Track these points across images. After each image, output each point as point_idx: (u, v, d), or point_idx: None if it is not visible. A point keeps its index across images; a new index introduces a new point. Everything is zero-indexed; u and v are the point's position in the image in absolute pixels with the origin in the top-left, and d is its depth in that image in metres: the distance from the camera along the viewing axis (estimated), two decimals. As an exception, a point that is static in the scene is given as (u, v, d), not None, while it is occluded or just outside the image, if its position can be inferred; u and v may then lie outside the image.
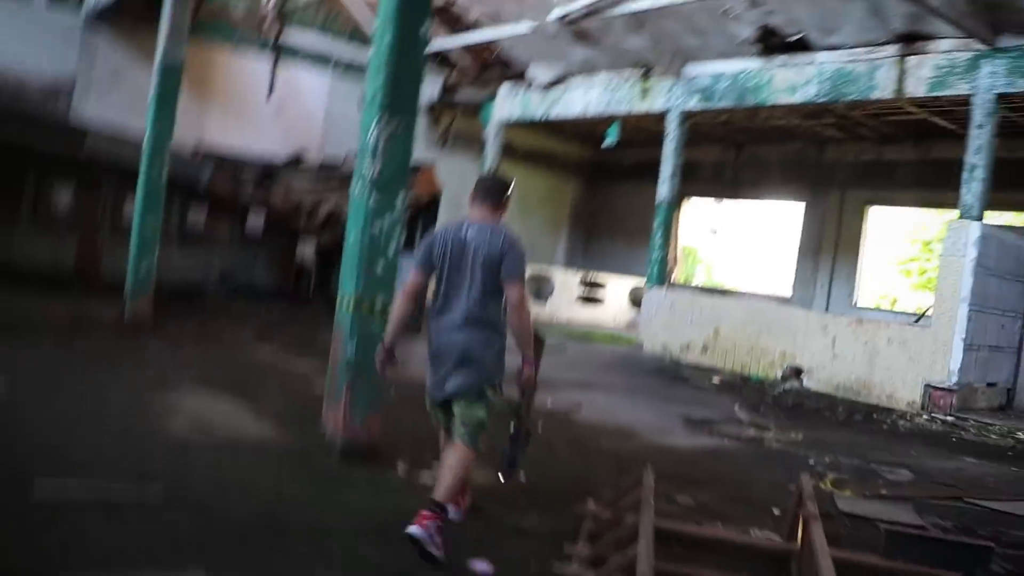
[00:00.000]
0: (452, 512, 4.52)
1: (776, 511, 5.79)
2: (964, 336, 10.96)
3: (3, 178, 13.49)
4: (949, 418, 10.62)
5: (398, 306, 4.82)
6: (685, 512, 5.58)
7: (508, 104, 19.07)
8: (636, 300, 19.55)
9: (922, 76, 11.97)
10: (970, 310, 10.97)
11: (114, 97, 15.66)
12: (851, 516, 5.91)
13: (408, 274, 4.79)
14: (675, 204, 15.75)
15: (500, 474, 4.95)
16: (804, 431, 9.24)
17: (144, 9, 14.96)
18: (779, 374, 12.99)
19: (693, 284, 25.90)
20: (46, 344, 8.82)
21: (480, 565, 4.27)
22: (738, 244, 30.17)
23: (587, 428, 8.06)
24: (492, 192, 4.83)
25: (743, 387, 12.34)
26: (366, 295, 5.71)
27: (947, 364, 11.03)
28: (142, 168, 10.74)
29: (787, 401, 11.49)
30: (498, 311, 4.65)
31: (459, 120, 20.59)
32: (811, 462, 7.68)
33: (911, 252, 26.70)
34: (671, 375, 12.84)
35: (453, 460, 4.51)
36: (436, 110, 20.08)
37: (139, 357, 8.69)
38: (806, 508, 4.40)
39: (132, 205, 11.32)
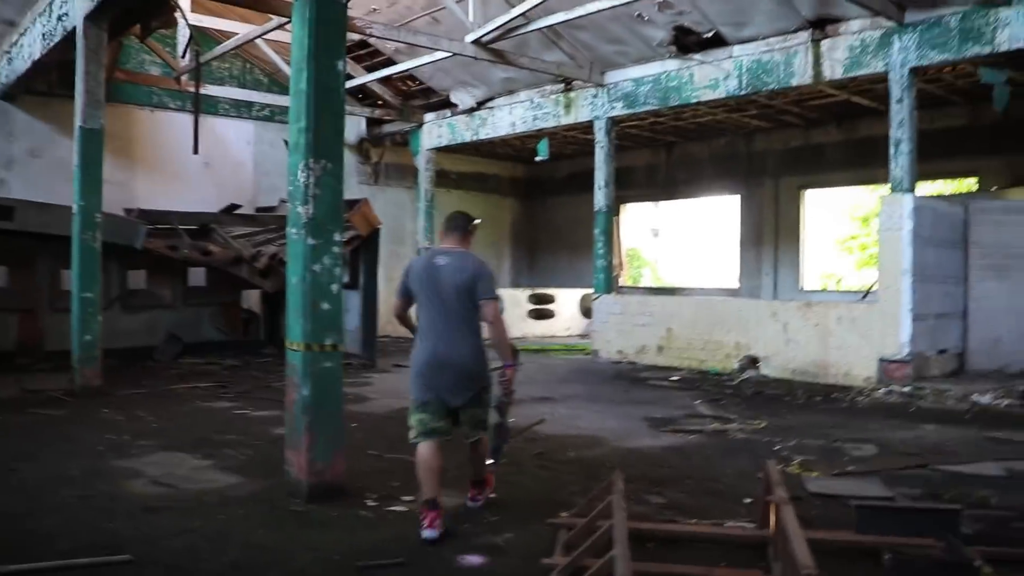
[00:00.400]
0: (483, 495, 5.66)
1: (747, 500, 5.83)
2: (911, 307, 11.17)
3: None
4: (906, 389, 10.81)
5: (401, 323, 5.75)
6: (658, 511, 5.61)
7: (435, 131, 19.15)
8: (587, 309, 19.63)
9: (837, 58, 12.25)
10: (913, 281, 11.19)
11: (37, 171, 15.51)
12: (821, 496, 5.97)
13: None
14: (613, 211, 15.91)
15: (488, 460, 5.61)
16: (766, 418, 9.33)
17: (57, 81, 14.84)
18: (736, 365, 13.13)
19: (641, 286, 26.10)
20: (-2, 422, 8.69)
21: (471, 559, 4.66)
22: (680, 242, 30.53)
23: (552, 440, 8.04)
24: (458, 224, 5.55)
25: (702, 382, 12.43)
26: (314, 336, 5.68)
27: (898, 336, 11.25)
28: (74, 236, 10.57)
29: (746, 391, 11.59)
30: (476, 327, 5.34)
31: (389, 152, 20.64)
32: (776, 448, 7.75)
33: (851, 230, 27.18)
34: (629, 379, 12.89)
35: (480, 451, 5.53)
36: (365, 145, 20.10)
37: (94, 425, 8.52)
38: (775, 494, 4.43)
39: (69, 275, 11.16)
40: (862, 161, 17.29)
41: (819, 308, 12.57)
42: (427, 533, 4.91)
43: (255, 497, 5.86)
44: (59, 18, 11.48)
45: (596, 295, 15.77)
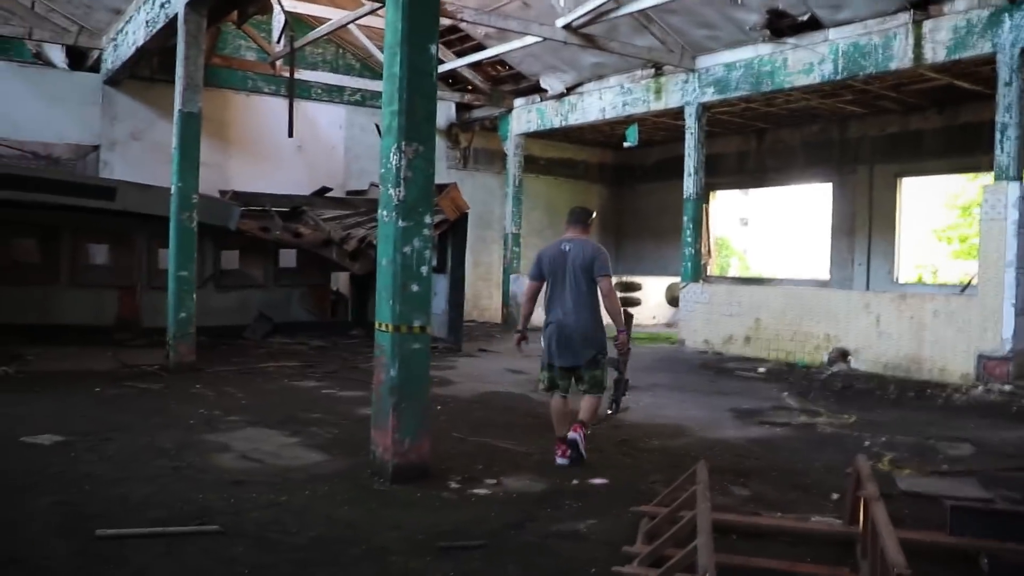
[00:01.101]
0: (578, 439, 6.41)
1: (835, 496, 5.71)
2: (1014, 301, 10.72)
3: (41, 240, 13.86)
4: (1006, 387, 10.37)
5: (523, 304, 6.87)
6: (742, 503, 5.53)
7: (525, 117, 19.13)
8: (673, 298, 19.44)
9: (940, 40, 11.79)
10: (1018, 273, 10.73)
11: (138, 153, 16.04)
12: (913, 495, 5.80)
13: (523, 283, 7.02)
14: (702, 199, 15.66)
15: (608, 410, 6.93)
16: (856, 413, 9.11)
17: (158, 66, 15.31)
18: (825, 358, 12.85)
19: (729, 276, 25.71)
20: (97, 391, 9.09)
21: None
22: (770, 231, 29.98)
23: (636, 429, 8.00)
24: (579, 218, 6.83)
25: (790, 374, 12.20)
26: (403, 318, 5.73)
27: (999, 332, 10.78)
28: (172, 216, 10.89)
29: (836, 384, 11.32)
30: (595, 302, 6.55)
31: (478, 137, 20.69)
32: (866, 444, 7.56)
33: (949, 220, 26.30)
34: (716, 369, 12.73)
35: (587, 403, 6.56)
36: (454, 130, 20.20)
37: (187, 400, 8.80)
38: (866, 489, 4.31)
39: (166, 253, 11.52)
40: (964, 148, 16.68)
41: (914, 300, 12.18)
42: (560, 461, 6.37)
43: (340, 475, 5.96)
44: (161, 5, 11.78)
45: (683, 284, 15.58)
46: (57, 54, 15.87)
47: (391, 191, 5.74)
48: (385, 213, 5.81)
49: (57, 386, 9.28)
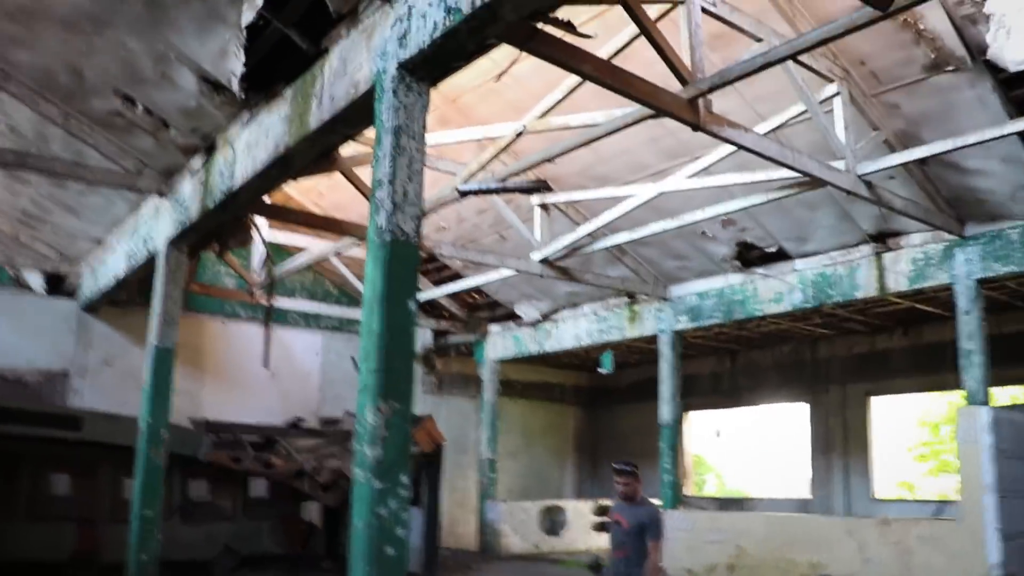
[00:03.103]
0: None
1: None
2: (998, 526, 10.57)
3: (1, 470, 13.44)
4: (1001, 620, 10.08)
5: None
6: None
7: (501, 343, 19.32)
8: (597, 525, 18.99)
9: (901, 270, 12.27)
10: (998, 497, 10.63)
11: (109, 379, 15.89)
12: None
13: None
14: (678, 423, 15.62)
15: None
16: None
17: (136, 291, 15.41)
18: (811, 589, 12.46)
19: (706, 496, 25.30)
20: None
21: None
22: (746, 447, 29.79)
23: None
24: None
25: (778, 610, 11.76)
26: (378, 584, 5.50)
27: (986, 557, 10.58)
28: (140, 453, 10.60)
29: (826, 622, 10.92)
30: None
31: (453, 362, 20.80)
32: None
33: (921, 436, 26.32)
34: (701, 604, 12.26)
35: None
36: (430, 356, 20.30)
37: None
38: None
39: (131, 483, 11.15)
40: (930, 367, 16.95)
41: (898, 525, 11.96)
42: None
43: None
44: (144, 240, 12.00)
45: (663, 510, 15.26)
46: (35, 278, 15.96)
47: (367, 451, 5.63)
48: (360, 473, 5.68)
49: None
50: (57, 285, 16.21)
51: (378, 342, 5.73)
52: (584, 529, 19.01)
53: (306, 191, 15.30)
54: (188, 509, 14.54)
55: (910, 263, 12.18)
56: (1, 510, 13.17)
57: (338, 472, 13.82)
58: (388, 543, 5.57)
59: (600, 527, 7.88)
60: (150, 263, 11.73)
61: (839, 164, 9.59)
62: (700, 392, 21.42)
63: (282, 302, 17.18)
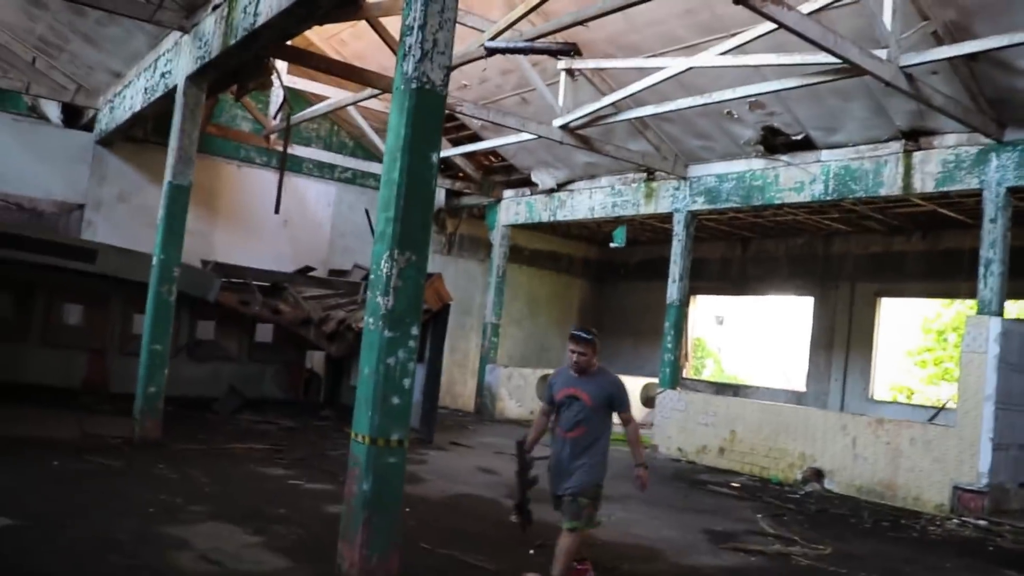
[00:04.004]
0: None
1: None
2: (992, 435, 10.73)
3: (15, 297, 13.65)
4: (981, 522, 10.31)
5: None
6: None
7: (513, 208, 19.21)
8: (648, 398, 19.32)
9: (929, 171, 12.01)
10: (996, 408, 10.75)
11: (123, 215, 15.93)
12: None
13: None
14: (685, 304, 15.65)
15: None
16: (831, 542, 8.92)
17: (152, 129, 15.31)
18: (799, 476, 12.72)
19: (703, 379, 25.64)
20: (55, 465, 8.76)
21: None
22: (747, 335, 30.04)
23: (607, 549, 7.76)
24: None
25: (763, 492, 12.03)
26: (381, 431, 5.56)
27: (976, 465, 10.78)
28: (151, 289, 10.69)
29: (810, 507, 11.17)
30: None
31: (464, 224, 20.75)
32: (843, 581, 7.39)
33: (924, 342, 26.49)
34: (689, 481, 12.54)
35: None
36: (442, 215, 20.23)
37: (148, 482, 8.50)
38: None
39: (142, 318, 11.32)
40: (944, 273, 16.91)
41: (891, 426, 12.12)
42: None
43: (304, 587, 5.72)
44: (162, 75, 11.80)
45: (661, 389, 15.47)
46: (53, 109, 15.86)
47: (379, 299, 5.62)
48: (371, 321, 5.68)
49: (15, 456, 8.96)
50: (74, 117, 16.07)
51: (397, 191, 5.66)
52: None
53: (328, 38, 14.94)
54: (195, 348, 14.81)
55: (940, 164, 11.93)
56: (17, 335, 13.51)
57: (344, 323, 13.95)
58: (394, 393, 5.62)
59: (524, 468, 6.23)
60: (167, 99, 11.58)
61: (881, 53, 9.25)
62: (708, 277, 21.43)
63: (297, 150, 17.06)
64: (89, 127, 16.00)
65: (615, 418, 6.15)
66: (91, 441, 10.29)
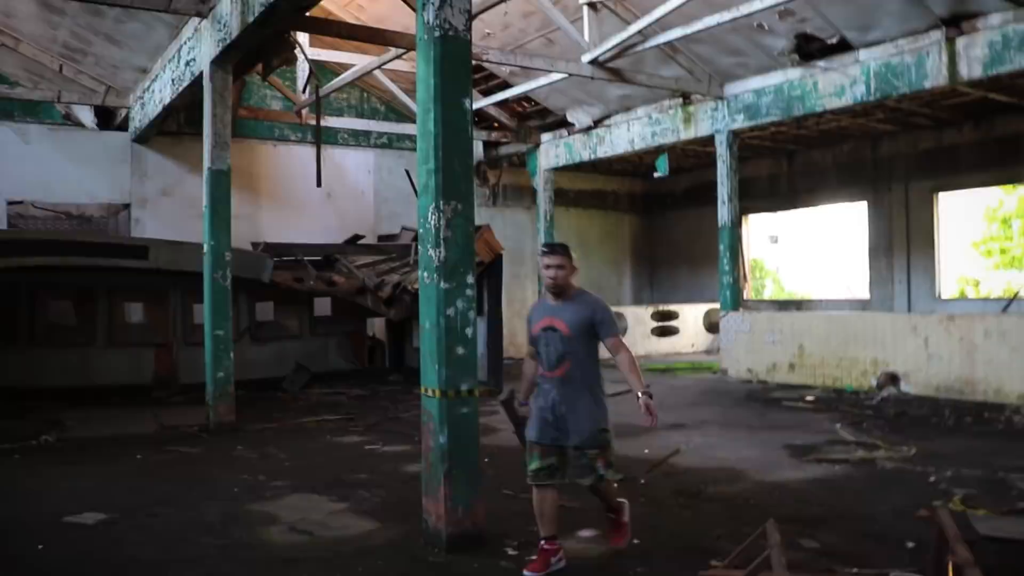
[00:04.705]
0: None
1: (910, 544, 5.44)
2: (1068, 316, 10.46)
3: (78, 303, 13.92)
4: (1067, 406, 10.09)
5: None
6: (814, 558, 5.28)
7: (552, 151, 19.03)
8: (712, 324, 19.23)
9: (975, 56, 11.56)
10: (1070, 288, 10.48)
11: (168, 209, 16.13)
12: (995, 540, 5.50)
13: None
14: (737, 226, 15.40)
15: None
16: (915, 443, 8.81)
17: (185, 121, 15.41)
18: (874, 382, 12.55)
19: (765, 299, 25.37)
20: (138, 459, 8.97)
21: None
22: (802, 249, 29.56)
23: (691, 474, 7.76)
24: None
25: (839, 402, 11.92)
26: (450, 383, 5.56)
27: (1054, 350, 10.54)
28: (205, 276, 10.80)
29: (889, 411, 11.03)
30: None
31: (506, 174, 20.63)
32: (932, 479, 7.28)
33: (988, 231, 25.80)
34: (762, 400, 12.45)
35: None
36: (482, 168, 20.12)
37: (229, 464, 8.66)
38: (957, 554, 4.04)
39: (201, 308, 11.46)
40: (1000, 160, 16.41)
41: (962, 321, 11.88)
42: None
43: (393, 546, 5.76)
44: (187, 63, 11.81)
45: (723, 313, 15.33)
46: (86, 114, 16.01)
47: (431, 252, 5.59)
48: (426, 274, 5.65)
49: (99, 454, 9.17)
50: (108, 119, 16.21)
51: (435, 142, 5.59)
52: (644, 335, 19.26)
53: (345, 5, 14.84)
54: (257, 330, 14.98)
55: (986, 47, 11.45)
56: (84, 339, 13.79)
57: (399, 286, 13.99)
58: (458, 343, 5.61)
59: (519, 424, 5.54)
60: (195, 86, 11.59)
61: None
62: (757, 195, 21.08)
63: (330, 121, 17.03)
64: (123, 127, 16.13)
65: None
66: (169, 432, 10.49)
